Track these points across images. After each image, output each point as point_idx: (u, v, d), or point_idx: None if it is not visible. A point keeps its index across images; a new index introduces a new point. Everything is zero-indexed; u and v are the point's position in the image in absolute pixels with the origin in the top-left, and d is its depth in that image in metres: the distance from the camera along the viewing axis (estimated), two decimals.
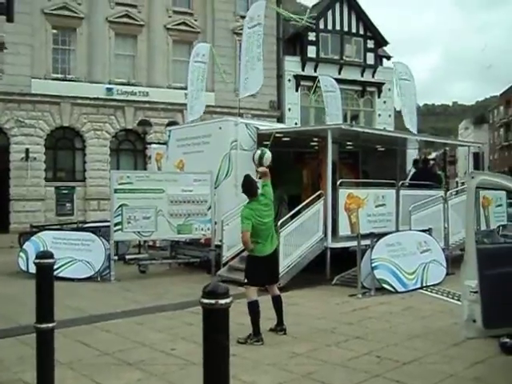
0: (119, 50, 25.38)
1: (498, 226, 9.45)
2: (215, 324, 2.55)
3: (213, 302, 2.50)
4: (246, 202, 7.04)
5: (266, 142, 11.67)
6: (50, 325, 4.09)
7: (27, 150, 22.74)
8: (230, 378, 2.63)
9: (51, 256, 4.18)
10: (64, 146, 24.55)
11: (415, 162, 14.94)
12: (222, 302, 2.50)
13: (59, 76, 23.99)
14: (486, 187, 6.51)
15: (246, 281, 6.72)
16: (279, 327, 6.89)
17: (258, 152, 7.80)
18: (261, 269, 6.74)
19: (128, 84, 25.13)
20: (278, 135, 11.95)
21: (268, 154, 7.65)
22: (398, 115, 25.50)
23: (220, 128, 12.17)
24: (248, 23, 13.86)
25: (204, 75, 15.26)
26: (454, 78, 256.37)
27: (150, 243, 13.94)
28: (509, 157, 65.48)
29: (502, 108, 70.48)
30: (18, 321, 7.44)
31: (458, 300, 8.09)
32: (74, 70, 24.34)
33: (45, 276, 4.14)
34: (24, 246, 11.72)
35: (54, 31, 24.14)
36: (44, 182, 23.31)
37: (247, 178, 7.02)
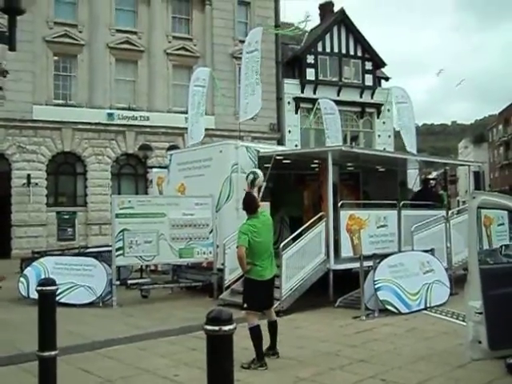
0: (120, 76, 25.64)
1: (501, 246, 9.40)
2: (219, 350, 2.54)
3: (216, 328, 2.49)
4: (247, 219, 6.93)
5: (266, 165, 11.71)
6: (53, 353, 4.07)
7: (29, 176, 22.82)
8: None
9: (53, 283, 4.18)
10: (65, 171, 24.66)
11: (425, 180, 15.01)
12: (226, 328, 2.50)
13: (60, 102, 24.21)
14: (488, 207, 6.51)
15: (245, 306, 6.61)
16: (272, 351, 6.77)
17: (251, 175, 7.82)
18: (260, 293, 6.67)
19: (129, 109, 25.33)
20: (278, 158, 11.99)
21: (260, 177, 7.67)
22: (398, 135, 25.64)
23: (220, 151, 12.21)
24: (246, 48, 14.14)
25: (203, 99, 15.40)
26: (453, 98, 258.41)
27: (152, 267, 13.88)
28: (509, 175, 65.52)
29: (500, 126, 70.76)
30: (21, 348, 7.38)
31: (463, 321, 8.02)
32: (75, 96, 24.56)
33: (47, 303, 4.12)
34: (25, 272, 11.65)
35: (56, 58, 24.44)
36: (45, 207, 23.35)
37: (249, 195, 7.05)
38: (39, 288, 4.15)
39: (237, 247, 6.61)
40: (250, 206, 6.88)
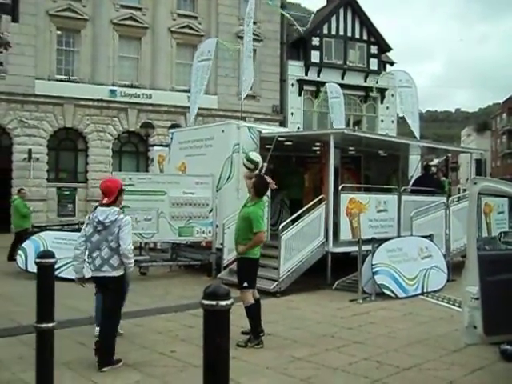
0: (123, 53, 25.45)
1: (500, 233, 9.40)
2: (216, 325, 2.55)
3: (214, 303, 2.50)
4: (253, 202, 6.74)
5: (268, 146, 11.68)
6: (50, 325, 4.09)
7: (30, 151, 22.79)
8: (229, 381, 2.63)
9: (53, 256, 4.18)
10: (66, 147, 24.61)
11: (426, 167, 14.98)
12: (223, 303, 2.50)
13: (63, 77, 24.06)
14: (488, 193, 6.50)
15: (245, 285, 6.55)
16: (259, 328, 6.62)
17: (248, 163, 7.43)
18: (256, 271, 6.79)
19: (131, 86, 25.19)
20: (280, 139, 11.95)
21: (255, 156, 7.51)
22: (401, 121, 25.55)
23: (222, 131, 12.17)
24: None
25: (208, 73, 15.41)
26: (456, 86, 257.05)
27: (151, 245, 13.92)
28: (511, 164, 65.42)
29: (504, 115, 70.47)
30: (19, 320, 7.45)
31: (459, 306, 8.08)
32: (78, 72, 24.41)
33: (46, 276, 4.13)
34: (23, 245, 11.69)
35: (59, 32, 24.23)
36: (46, 182, 23.34)
37: (263, 179, 6.99)
38: (38, 260, 4.16)
39: (256, 232, 6.45)
40: (264, 191, 6.88)
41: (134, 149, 25.83)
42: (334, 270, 10.69)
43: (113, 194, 5.71)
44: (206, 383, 2.58)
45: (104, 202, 5.68)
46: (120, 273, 5.68)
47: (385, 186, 12.58)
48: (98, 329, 6.01)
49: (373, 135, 13.98)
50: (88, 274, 5.91)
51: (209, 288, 2.57)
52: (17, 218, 14.22)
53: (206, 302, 2.53)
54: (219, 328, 2.56)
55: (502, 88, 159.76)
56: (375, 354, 6.11)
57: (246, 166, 7.45)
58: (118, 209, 5.72)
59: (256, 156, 7.56)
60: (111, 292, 5.67)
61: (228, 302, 2.51)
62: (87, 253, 5.75)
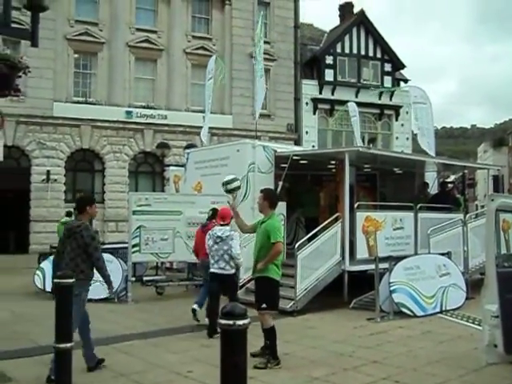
0: (139, 74, 25.81)
1: None
2: (233, 345, 2.55)
3: (231, 322, 2.50)
4: (267, 217, 6.73)
5: (283, 165, 11.70)
6: (69, 345, 4.11)
7: (48, 172, 23.09)
8: None
9: (70, 276, 4.22)
10: (84, 167, 24.89)
11: (424, 185, 14.80)
12: (240, 323, 2.50)
13: (80, 99, 24.45)
14: (506, 210, 6.44)
15: (264, 306, 6.46)
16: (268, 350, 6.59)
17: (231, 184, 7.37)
18: (278, 292, 6.74)
19: (147, 107, 25.48)
20: (295, 158, 11.98)
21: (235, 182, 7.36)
22: (416, 138, 25.43)
23: (238, 150, 12.23)
24: (256, 42, 15.11)
25: (210, 90, 15.94)
26: (471, 103, 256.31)
27: (167, 265, 13.95)
28: None
29: None
30: (36, 340, 7.48)
31: (478, 325, 7.95)
32: (95, 94, 24.78)
33: (64, 296, 4.17)
34: (41, 265, 11.79)
35: (76, 56, 24.68)
36: (63, 203, 23.52)
37: (272, 191, 7.07)
38: (57, 280, 4.19)
39: (274, 243, 6.44)
40: (276, 200, 6.94)
41: (150, 169, 26.03)
42: (351, 289, 10.61)
43: (228, 218, 7.99)
44: None
45: (221, 222, 8.07)
46: (233, 271, 7.87)
47: (401, 204, 12.48)
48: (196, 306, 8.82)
49: (388, 152, 13.96)
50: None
51: (226, 307, 2.57)
52: None
53: (223, 321, 2.54)
54: (236, 347, 2.56)
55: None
56: (394, 374, 6.03)
57: (231, 191, 7.33)
58: (229, 227, 7.98)
59: (229, 178, 7.35)
60: (229, 284, 7.85)
61: (245, 321, 2.52)
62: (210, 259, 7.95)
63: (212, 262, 7.92)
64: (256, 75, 14.65)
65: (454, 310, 9.82)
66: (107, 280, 6.09)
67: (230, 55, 27.08)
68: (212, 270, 7.91)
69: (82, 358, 6.14)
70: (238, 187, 7.39)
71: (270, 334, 6.46)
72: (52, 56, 23.37)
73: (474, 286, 10.78)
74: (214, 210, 9.45)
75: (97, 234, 7.22)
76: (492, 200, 5.38)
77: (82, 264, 5.80)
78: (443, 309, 9.77)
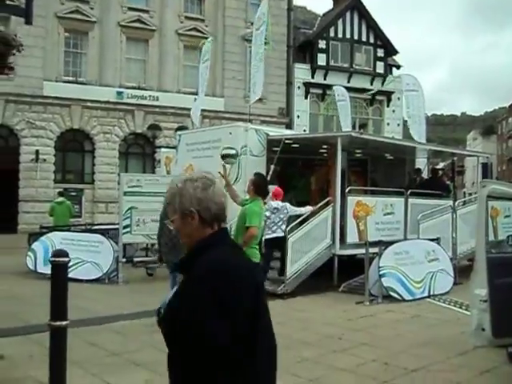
0: (130, 55, 25.57)
1: (508, 237, 9.42)
2: None
3: None
4: (250, 200, 6.85)
5: (275, 148, 11.71)
6: (64, 323, 4.13)
7: (37, 152, 22.90)
8: None
9: (66, 255, 4.23)
10: (73, 148, 24.74)
11: (417, 170, 14.93)
12: None
13: (70, 79, 24.20)
14: (496, 196, 6.53)
15: None
16: None
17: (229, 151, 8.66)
18: None
19: (138, 88, 25.29)
20: (287, 141, 11.99)
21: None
22: (407, 124, 25.51)
23: (230, 133, 12.20)
24: (256, 24, 14.58)
25: (206, 73, 15.73)
26: (462, 91, 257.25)
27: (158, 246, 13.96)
28: None
29: (510, 119, 70.37)
30: (28, 320, 7.51)
31: (466, 309, 8.09)
32: (85, 74, 24.54)
33: (59, 274, 4.18)
34: (32, 246, 11.78)
35: (67, 34, 24.37)
36: (53, 183, 23.42)
37: (263, 178, 7.06)
38: (52, 259, 4.21)
39: (249, 227, 6.50)
40: (263, 189, 6.91)
41: (141, 150, 25.92)
42: (341, 273, 10.72)
43: (280, 195, 9.99)
44: None
45: (275, 199, 9.84)
46: (283, 234, 9.77)
47: (392, 189, 12.56)
48: None
49: (379, 138, 14.01)
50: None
51: None
52: (67, 218, 14.79)
53: None
54: None
55: (506, 93, 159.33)
56: (383, 356, 6.13)
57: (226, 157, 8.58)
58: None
59: (227, 149, 8.68)
60: (282, 243, 9.72)
61: None
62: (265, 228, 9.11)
63: (268, 231, 9.53)
64: (255, 58, 14.40)
65: (441, 294, 9.96)
66: None
67: (223, 37, 26.88)
68: (268, 236, 9.45)
69: (77, 337, 6.19)
70: (233, 155, 8.10)
71: None
72: (42, 34, 23.04)
73: (462, 271, 10.93)
74: None
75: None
76: (483, 186, 5.45)
77: None
78: (431, 293, 9.91)
